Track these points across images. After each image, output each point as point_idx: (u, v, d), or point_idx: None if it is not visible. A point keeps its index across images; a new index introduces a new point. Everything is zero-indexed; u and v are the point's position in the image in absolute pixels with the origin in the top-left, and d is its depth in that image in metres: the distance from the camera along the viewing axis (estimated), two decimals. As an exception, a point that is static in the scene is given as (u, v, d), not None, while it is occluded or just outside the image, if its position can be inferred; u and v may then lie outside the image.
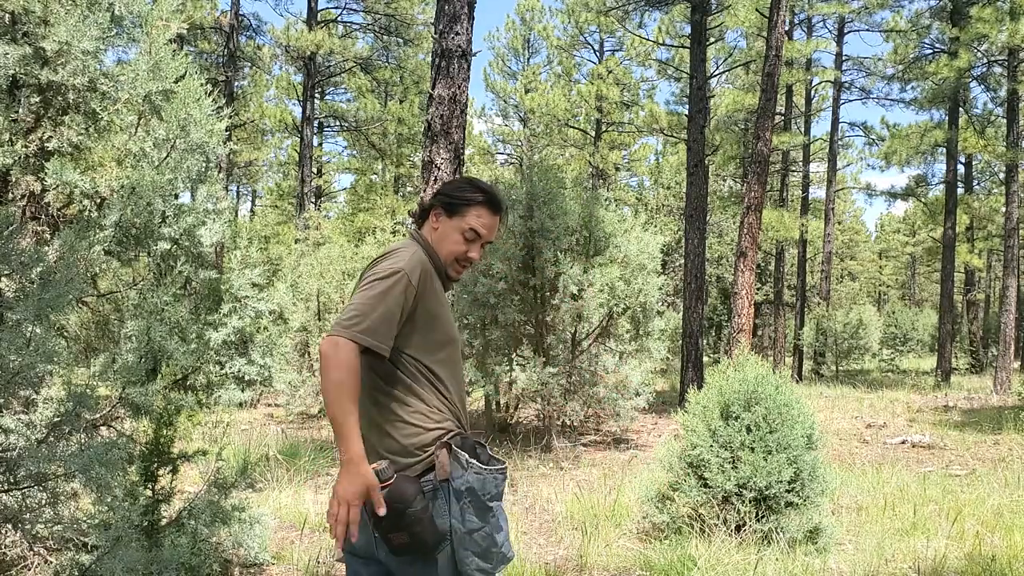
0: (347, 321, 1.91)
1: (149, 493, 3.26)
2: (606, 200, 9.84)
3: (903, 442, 9.58)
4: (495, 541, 2.02)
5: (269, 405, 12.44)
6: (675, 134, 24.00)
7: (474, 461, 2.01)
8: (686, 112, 18.63)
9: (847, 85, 24.34)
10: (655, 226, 10.78)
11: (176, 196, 3.38)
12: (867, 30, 23.53)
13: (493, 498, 2.02)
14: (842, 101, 23.94)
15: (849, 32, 23.58)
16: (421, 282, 2.02)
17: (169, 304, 3.24)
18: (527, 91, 28.94)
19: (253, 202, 39.12)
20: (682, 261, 18.55)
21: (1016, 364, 20.96)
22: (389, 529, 1.92)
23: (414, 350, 2.04)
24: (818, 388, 17.60)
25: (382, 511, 1.89)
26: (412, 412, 2.02)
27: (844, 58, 23.65)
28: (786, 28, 19.03)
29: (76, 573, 2.98)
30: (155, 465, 3.29)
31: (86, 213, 3.17)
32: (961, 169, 23.24)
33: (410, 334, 2.03)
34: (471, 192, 2.15)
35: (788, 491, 4.61)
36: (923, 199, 24.57)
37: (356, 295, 1.99)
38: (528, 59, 30.94)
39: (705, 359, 16.26)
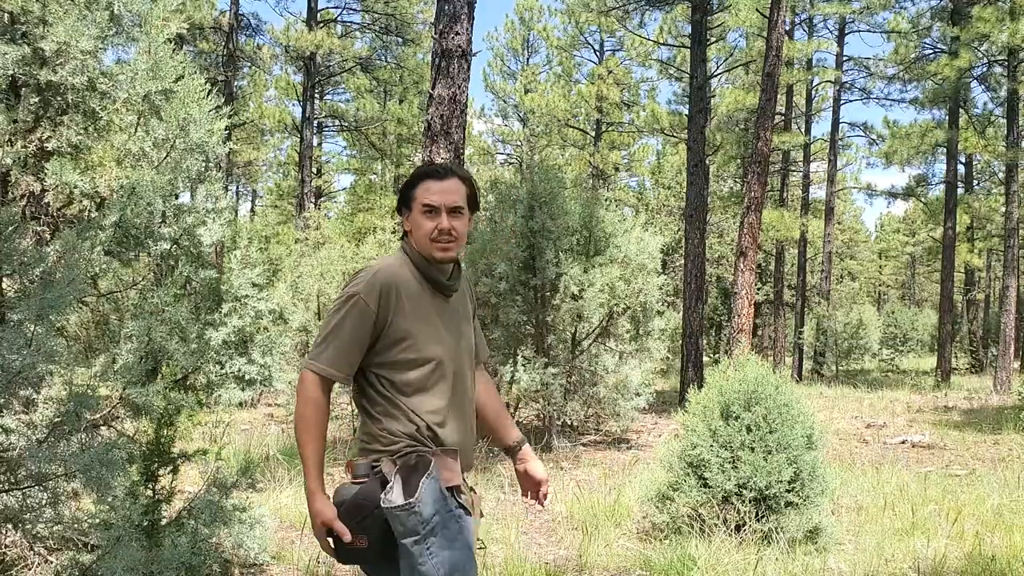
0: (312, 351, 2.04)
1: (149, 493, 3.26)
2: (606, 200, 9.84)
3: (903, 442, 9.58)
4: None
5: (269, 405, 12.44)
6: (676, 134, 23.99)
7: (390, 493, 1.92)
8: (687, 112, 18.62)
9: (848, 85, 24.33)
10: (655, 226, 10.78)
11: (176, 196, 3.39)
12: (868, 31, 23.55)
13: (401, 535, 1.91)
14: (843, 101, 23.95)
15: (850, 32, 23.57)
16: (383, 302, 1.99)
17: (169, 304, 3.24)
18: (527, 91, 28.92)
19: (253, 202, 39.14)
20: (682, 261, 18.55)
21: (1016, 364, 20.95)
22: (352, 530, 1.94)
23: (378, 368, 2.04)
24: (818, 388, 17.59)
25: (346, 538, 1.94)
26: (371, 426, 2.06)
27: (845, 58, 23.64)
28: (787, 28, 19.03)
29: (76, 573, 2.98)
30: (155, 465, 3.28)
31: (86, 213, 3.17)
32: (961, 169, 23.23)
33: (376, 353, 2.03)
34: (411, 178, 2.12)
35: (788, 491, 4.61)
36: (923, 199, 24.57)
37: (324, 319, 2.08)
38: (527, 59, 30.94)
39: (705, 359, 16.27)
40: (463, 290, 2.21)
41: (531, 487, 2.31)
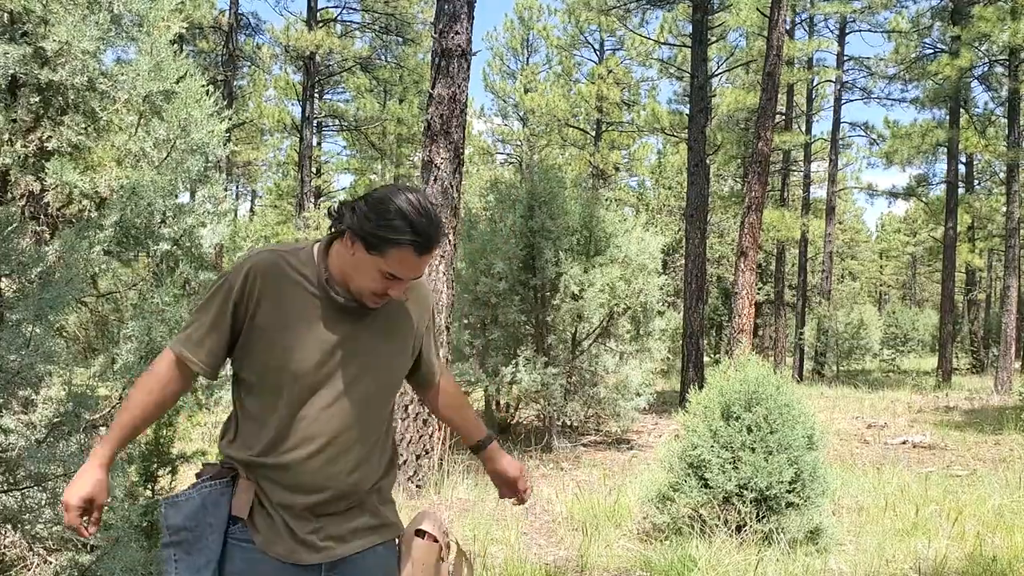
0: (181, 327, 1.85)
1: (149, 493, 3.26)
2: (607, 200, 9.84)
3: (904, 442, 9.57)
4: None
5: (269, 405, 12.45)
6: (676, 134, 23.99)
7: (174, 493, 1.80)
8: (687, 112, 18.62)
9: (849, 85, 24.33)
10: (656, 226, 10.78)
11: (175, 196, 3.38)
12: (869, 30, 23.55)
13: (166, 531, 1.76)
14: (843, 101, 23.94)
15: (851, 32, 23.57)
16: (249, 287, 1.73)
17: (169, 304, 3.23)
18: (526, 91, 28.90)
19: (253, 202, 39.15)
20: (683, 261, 18.55)
21: (1017, 364, 20.92)
22: None
23: (239, 365, 1.80)
24: (819, 388, 17.59)
25: (68, 521, 1.71)
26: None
27: (846, 58, 23.64)
28: (787, 27, 19.02)
29: (75, 573, 2.98)
30: (155, 465, 3.28)
31: (86, 213, 3.17)
32: (962, 169, 23.22)
33: (239, 347, 1.78)
34: (399, 232, 1.66)
35: (789, 491, 4.60)
36: (924, 199, 24.55)
37: None
38: (527, 59, 30.92)
39: (706, 359, 16.28)
40: (404, 303, 1.89)
41: (505, 485, 2.07)
